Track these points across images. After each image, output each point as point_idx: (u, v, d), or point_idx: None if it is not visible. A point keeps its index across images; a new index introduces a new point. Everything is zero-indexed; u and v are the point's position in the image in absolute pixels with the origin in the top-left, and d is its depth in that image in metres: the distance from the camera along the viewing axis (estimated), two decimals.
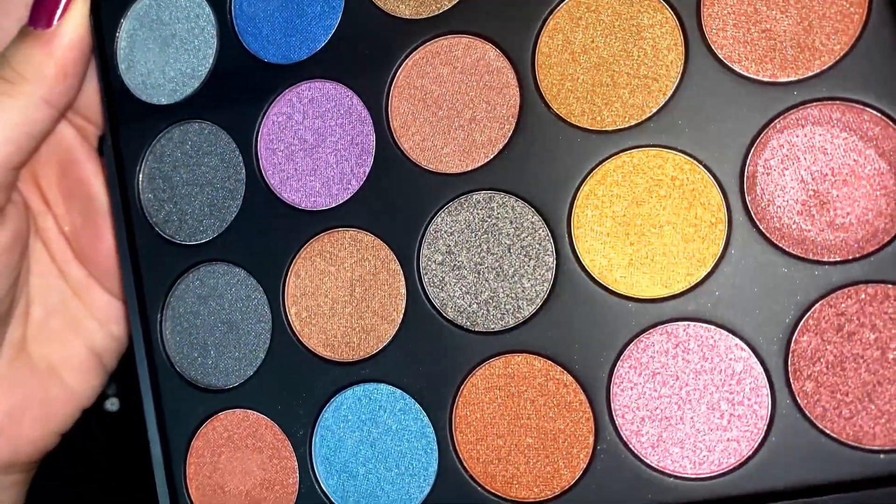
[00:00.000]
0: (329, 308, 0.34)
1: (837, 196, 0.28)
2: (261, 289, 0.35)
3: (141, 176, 0.36)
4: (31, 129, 0.35)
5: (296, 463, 0.34)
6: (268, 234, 0.34)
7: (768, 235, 0.29)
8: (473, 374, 0.32)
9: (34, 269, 0.39)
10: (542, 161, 0.31)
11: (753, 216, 0.29)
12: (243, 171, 0.35)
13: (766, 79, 0.29)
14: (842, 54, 0.28)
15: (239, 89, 0.35)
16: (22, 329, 0.39)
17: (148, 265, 0.36)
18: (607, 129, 0.30)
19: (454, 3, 0.32)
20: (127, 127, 0.37)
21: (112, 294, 0.40)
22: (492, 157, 0.32)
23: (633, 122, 0.30)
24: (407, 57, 0.33)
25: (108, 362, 0.41)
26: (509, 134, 0.32)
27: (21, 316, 0.39)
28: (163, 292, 0.36)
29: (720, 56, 0.29)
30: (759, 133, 0.29)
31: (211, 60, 0.36)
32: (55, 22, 0.35)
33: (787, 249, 0.29)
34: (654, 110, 0.30)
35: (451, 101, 0.32)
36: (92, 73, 0.38)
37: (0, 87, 0.35)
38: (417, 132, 0.33)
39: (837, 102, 0.28)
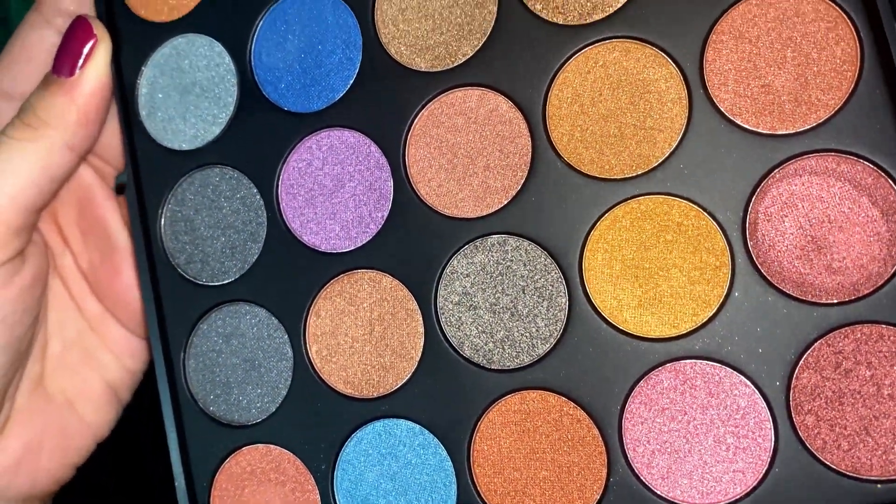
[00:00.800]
0: (349, 347, 0.35)
1: (834, 242, 0.30)
2: (282, 328, 0.36)
3: (163, 219, 0.38)
4: (53, 172, 0.36)
5: (318, 496, 0.35)
6: (289, 276, 0.36)
7: (769, 278, 0.31)
8: (490, 409, 0.33)
9: (52, 305, 0.40)
10: (553, 207, 0.33)
11: (755, 260, 0.31)
12: (264, 214, 0.36)
13: (765, 131, 0.31)
14: (836, 109, 0.30)
15: (259, 136, 0.36)
16: (40, 363, 0.40)
17: (171, 305, 0.37)
18: (616, 177, 0.32)
19: (468, 57, 0.34)
20: (149, 171, 0.38)
21: (128, 328, 0.41)
22: (506, 202, 0.33)
23: (640, 171, 0.32)
24: (423, 107, 0.35)
25: (122, 395, 0.42)
26: (522, 181, 0.33)
27: (39, 350, 0.40)
28: (186, 331, 0.37)
29: (722, 109, 0.31)
30: (759, 182, 0.31)
31: (231, 108, 0.37)
32: (78, 70, 0.36)
33: (787, 291, 0.30)
34: (660, 160, 0.32)
35: (466, 150, 0.34)
36: (110, 117, 0.39)
37: (24, 132, 0.36)
38: (434, 178, 0.34)
39: (833, 154, 0.30)
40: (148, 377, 0.43)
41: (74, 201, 0.40)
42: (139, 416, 0.48)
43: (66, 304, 0.41)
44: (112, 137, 0.40)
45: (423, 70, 0.34)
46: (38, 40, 0.39)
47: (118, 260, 0.40)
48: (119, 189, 0.42)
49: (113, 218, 0.40)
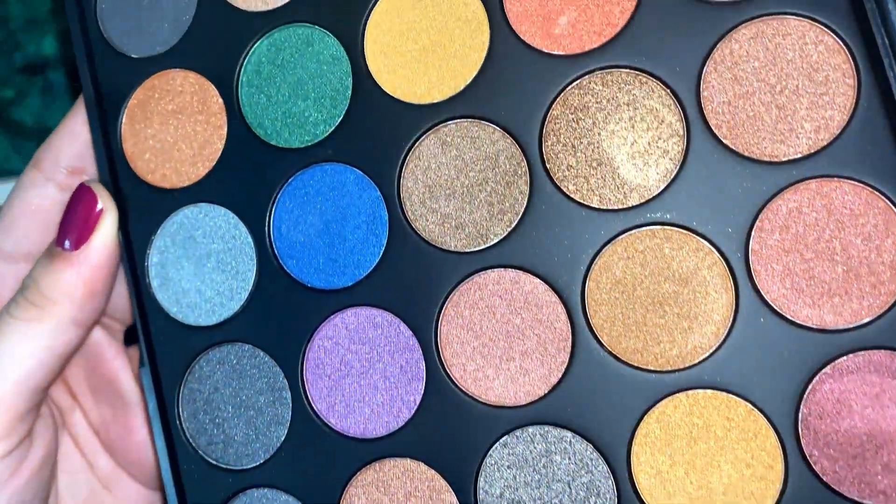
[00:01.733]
0: None
1: (890, 441, 0.29)
2: None
3: (181, 399, 0.36)
4: (60, 351, 0.35)
5: None
6: (317, 462, 0.34)
7: (823, 478, 0.30)
8: None
9: (63, 467, 0.39)
10: (597, 397, 0.32)
11: (808, 458, 0.30)
12: (289, 395, 0.35)
13: (815, 325, 0.30)
14: (889, 305, 0.29)
15: (282, 312, 0.35)
16: None
17: (194, 489, 0.36)
18: (661, 369, 0.31)
19: (500, 237, 0.33)
20: (163, 347, 0.36)
21: (140, 483, 0.40)
22: (546, 391, 0.32)
23: (687, 364, 0.31)
24: (455, 288, 0.33)
25: None
26: (563, 368, 0.32)
27: None
28: None
29: (769, 301, 0.30)
30: (810, 378, 0.30)
31: (251, 282, 0.35)
32: (83, 243, 0.35)
33: (843, 493, 0.30)
34: (708, 353, 0.31)
35: (502, 333, 0.33)
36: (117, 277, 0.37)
37: (29, 312, 0.34)
38: (469, 362, 0.33)
39: (885, 351, 0.29)
40: None
41: (83, 360, 0.39)
42: None
43: (76, 464, 0.39)
44: (118, 297, 0.38)
45: (453, 250, 0.33)
46: (39, 198, 0.38)
47: (130, 417, 0.39)
48: (127, 338, 0.40)
49: (124, 374, 0.39)
